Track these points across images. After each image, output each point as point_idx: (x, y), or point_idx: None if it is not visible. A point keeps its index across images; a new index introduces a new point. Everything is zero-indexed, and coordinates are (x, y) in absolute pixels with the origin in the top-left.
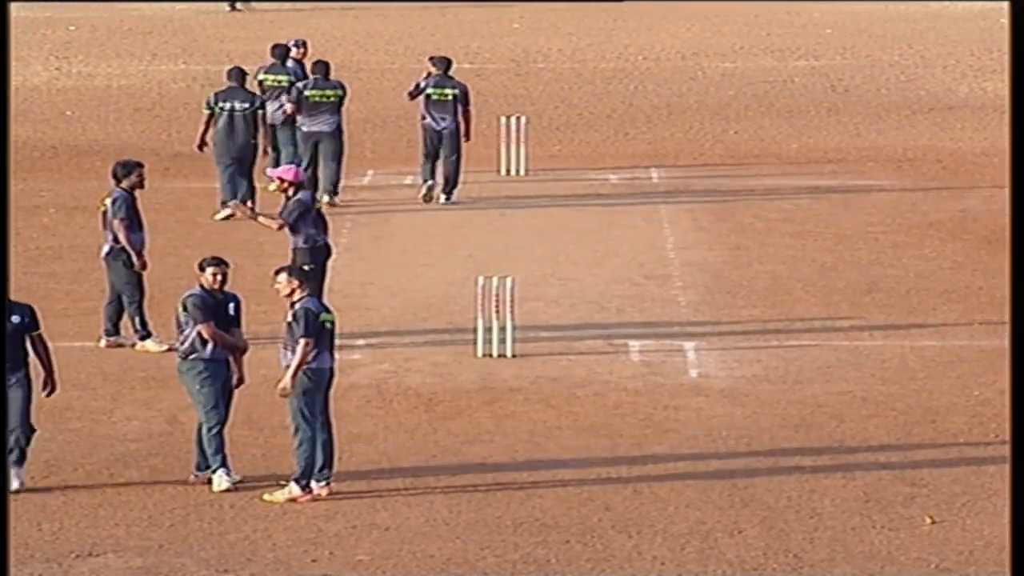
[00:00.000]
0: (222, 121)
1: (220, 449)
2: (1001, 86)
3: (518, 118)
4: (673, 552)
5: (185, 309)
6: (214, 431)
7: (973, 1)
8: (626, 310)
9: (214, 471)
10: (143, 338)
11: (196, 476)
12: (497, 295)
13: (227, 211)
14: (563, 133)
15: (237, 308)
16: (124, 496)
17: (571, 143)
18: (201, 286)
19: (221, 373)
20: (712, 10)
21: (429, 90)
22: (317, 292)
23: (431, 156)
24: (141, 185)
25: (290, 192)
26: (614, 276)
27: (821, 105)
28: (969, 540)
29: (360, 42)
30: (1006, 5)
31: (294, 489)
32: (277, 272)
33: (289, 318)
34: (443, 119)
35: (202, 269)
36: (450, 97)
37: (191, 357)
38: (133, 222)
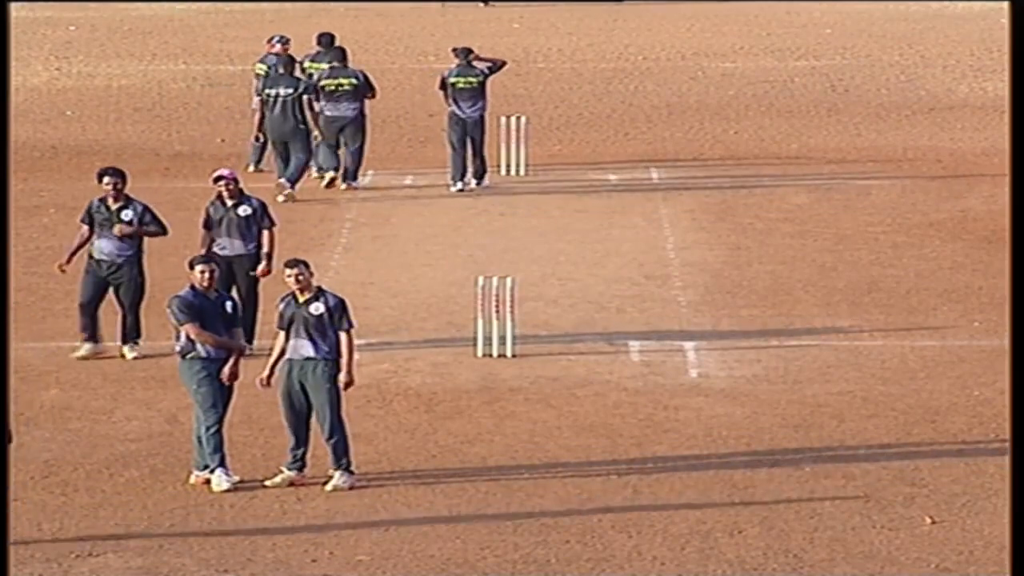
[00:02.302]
0: (269, 106)
1: (219, 448)
2: (1001, 86)
3: (518, 118)
4: (673, 552)
5: (171, 310)
6: (212, 430)
7: (973, 1)
8: (626, 310)
9: (212, 471)
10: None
11: (196, 476)
12: (497, 295)
13: (282, 197)
14: (563, 133)
15: (235, 308)
16: (124, 496)
17: (571, 143)
18: (192, 286)
19: (220, 374)
20: (712, 10)
21: (452, 79)
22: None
23: (457, 146)
24: (112, 191)
25: (231, 197)
26: (614, 276)
27: (821, 105)
28: (969, 540)
29: (360, 42)
30: (1006, 5)
31: (347, 479)
32: (292, 264)
33: (318, 310)
34: (468, 107)
35: (192, 267)
36: (475, 84)
37: (188, 356)
38: (89, 227)
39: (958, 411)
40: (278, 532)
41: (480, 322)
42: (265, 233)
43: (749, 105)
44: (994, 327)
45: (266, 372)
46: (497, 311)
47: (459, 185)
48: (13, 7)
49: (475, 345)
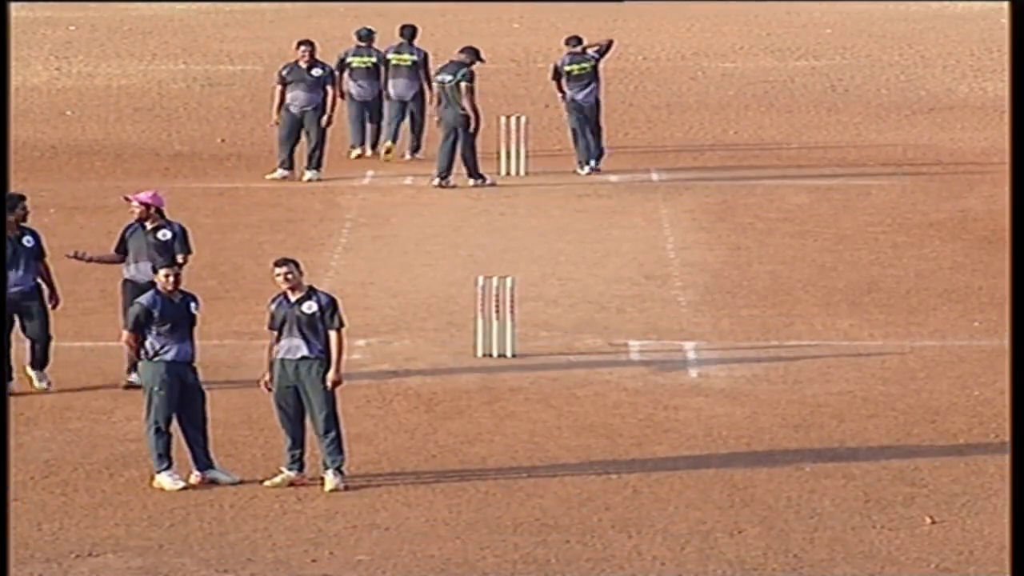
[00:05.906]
0: (436, 93)
1: (166, 450)
2: (1001, 86)
3: (518, 118)
4: (673, 552)
5: (129, 313)
6: (159, 430)
7: (973, 1)
8: (626, 310)
9: (159, 472)
10: None
11: (196, 476)
12: (497, 295)
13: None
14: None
15: (198, 308)
16: (124, 496)
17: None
18: (156, 290)
19: (181, 378)
20: (712, 10)
21: (566, 67)
22: None
23: (579, 131)
24: (24, 217)
25: (149, 220)
26: (614, 276)
27: (821, 105)
28: (969, 540)
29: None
30: (1006, 5)
31: (341, 480)
32: (281, 262)
33: (311, 308)
34: (583, 92)
35: (155, 271)
36: (587, 69)
37: (155, 359)
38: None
39: (958, 411)
40: (278, 532)
41: (480, 322)
42: (183, 259)
43: (749, 105)
44: (994, 327)
45: (266, 376)
46: (497, 311)
47: (587, 168)
48: (13, 7)
49: (475, 345)
